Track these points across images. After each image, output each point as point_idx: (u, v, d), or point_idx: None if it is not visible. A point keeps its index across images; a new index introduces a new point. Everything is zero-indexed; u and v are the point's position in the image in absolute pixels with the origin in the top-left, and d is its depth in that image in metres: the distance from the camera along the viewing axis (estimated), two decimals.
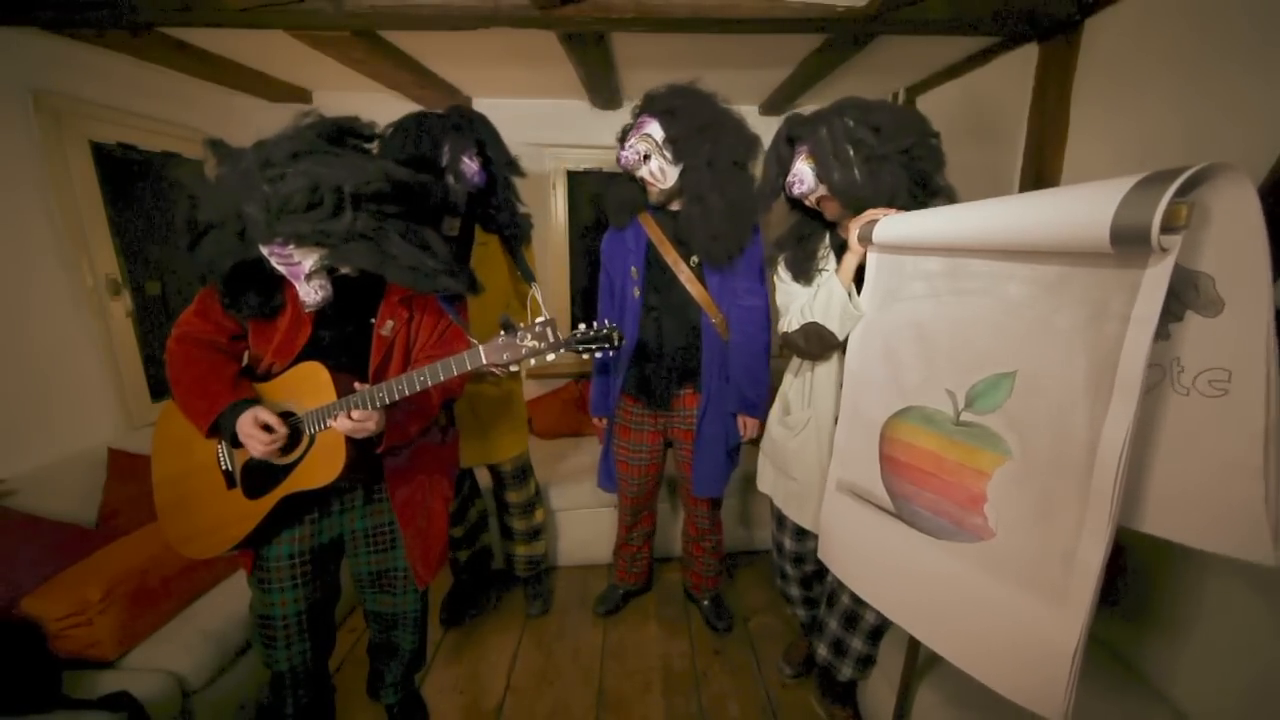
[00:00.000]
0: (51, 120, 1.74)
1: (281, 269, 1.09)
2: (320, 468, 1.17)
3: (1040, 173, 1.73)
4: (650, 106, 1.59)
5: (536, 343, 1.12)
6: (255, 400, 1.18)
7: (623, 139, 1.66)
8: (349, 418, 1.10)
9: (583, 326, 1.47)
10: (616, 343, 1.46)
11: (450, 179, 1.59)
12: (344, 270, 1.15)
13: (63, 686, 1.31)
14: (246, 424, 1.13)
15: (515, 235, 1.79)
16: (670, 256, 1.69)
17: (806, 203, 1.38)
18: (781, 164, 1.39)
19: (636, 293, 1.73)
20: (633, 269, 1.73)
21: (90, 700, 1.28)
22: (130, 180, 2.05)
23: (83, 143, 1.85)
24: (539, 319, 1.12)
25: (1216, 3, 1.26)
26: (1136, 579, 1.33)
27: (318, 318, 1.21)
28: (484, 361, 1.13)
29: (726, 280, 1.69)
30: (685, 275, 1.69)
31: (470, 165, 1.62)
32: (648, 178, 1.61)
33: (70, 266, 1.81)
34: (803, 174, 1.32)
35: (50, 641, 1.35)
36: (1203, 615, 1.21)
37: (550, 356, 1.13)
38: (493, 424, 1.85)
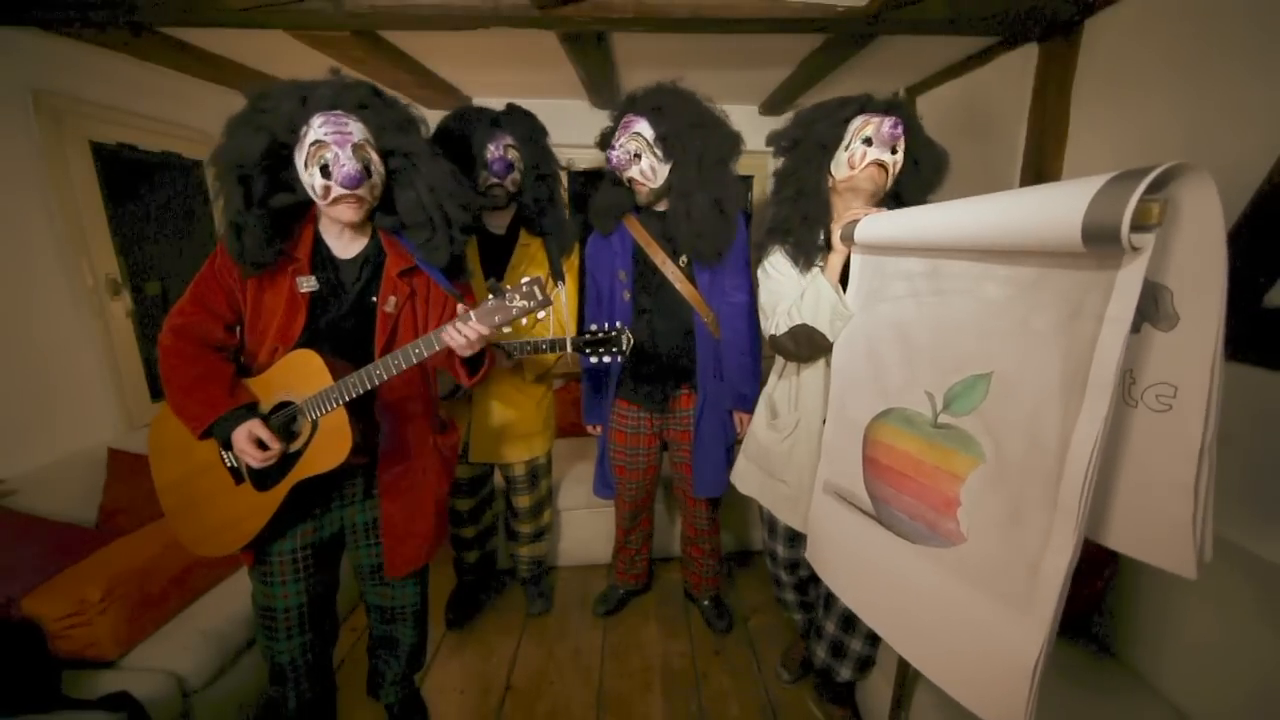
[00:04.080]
0: (51, 120, 1.74)
1: (330, 137, 1.10)
2: (327, 451, 1.18)
3: (1040, 173, 1.73)
4: (636, 105, 1.58)
5: (525, 302, 1.13)
6: (252, 406, 1.19)
7: (607, 140, 1.65)
8: (458, 329, 1.12)
9: (593, 327, 1.47)
10: (625, 347, 1.46)
11: (478, 166, 1.61)
12: (362, 180, 1.13)
13: (63, 686, 1.31)
14: (241, 439, 1.14)
15: (556, 239, 1.77)
16: (659, 257, 1.69)
17: (855, 159, 1.28)
18: (835, 120, 1.32)
19: (627, 296, 1.72)
20: (620, 272, 1.72)
21: (90, 700, 1.28)
22: (130, 180, 2.05)
23: (83, 143, 1.85)
24: (525, 279, 1.14)
25: (1216, 3, 1.26)
26: (1133, 577, 1.33)
27: (313, 300, 1.21)
28: (474, 322, 1.13)
29: (716, 277, 1.69)
30: (674, 275, 1.69)
31: (494, 152, 1.62)
32: (637, 177, 1.59)
33: (70, 266, 1.81)
34: (897, 130, 1.26)
35: (50, 641, 1.35)
36: (1201, 615, 1.21)
37: (541, 314, 1.17)
38: (510, 424, 1.84)
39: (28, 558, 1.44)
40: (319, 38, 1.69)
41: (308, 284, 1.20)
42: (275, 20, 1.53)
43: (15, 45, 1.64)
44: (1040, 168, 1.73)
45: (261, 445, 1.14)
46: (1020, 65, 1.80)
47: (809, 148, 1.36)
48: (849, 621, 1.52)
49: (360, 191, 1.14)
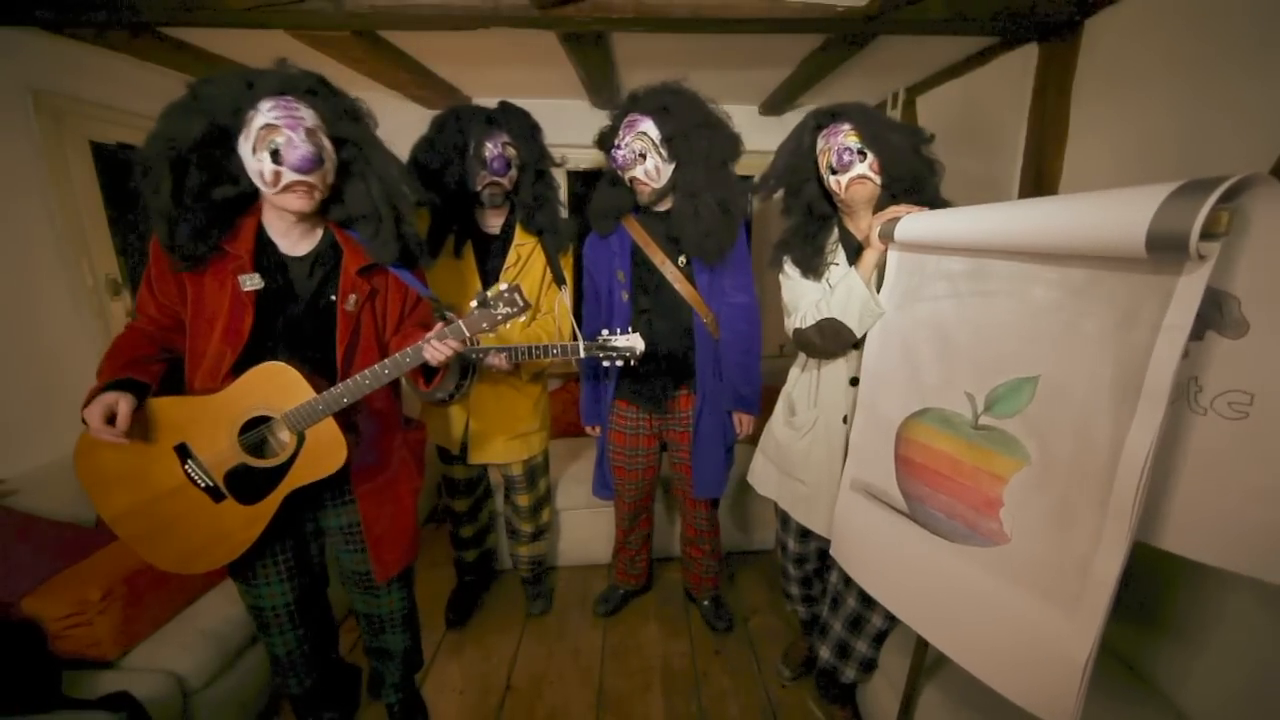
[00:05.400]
0: (51, 120, 1.74)
1: (281, 120, 1.06)
2: (324, 458, 1.18)
3: (1040, 173, 1.73)
4: (641, 105, 1.57)
5: (508, 309, 1.17)
6: (135, 383, 1.12)
7: (607, 140, 1.64)
8: (435, 346, 1.15)
9: (605, 332, 1.50)
10: (638, 353, 1.48)
11: (475, 165, 1.61)
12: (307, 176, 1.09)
13: (63, 686, 1.31)
14: (91, 411, 1.05)
15: (553, 237, 1.76)
16: (657, 257, 1.68)
17: (834, 185, 1.33)
18: (802, 152, 1.39)
19: (625, 296, 1.71)
20: (619, 273, 1.71)
21: (90, 700, 1.28)
22: (130, 180, 2.04)
23: (83, 143, 1.85)
24: (504, 285, 1.18)
25: (1216, 4, 1.26)
26: (1142, 582, 1.33)
27: (261, 300, 1.17)
28: (465, 334, 1.18)
29: (715, 278, 1.69)
30: (674, 275, 1.68)
31: (492, 150, 1.62)
32: (641, 177, 1.58)
33: (70, 266, 1.81)
34: (849, 147, 1.29)
35: (50, 641, 1.35)
36: (1209, 619, 1.21)
37: (523, 319, 1.21)
38: (507, 424, 1.84)
39: (28, 558, 1.44)
40: (319, 38, 1.69)
41: (251, 282, 1.15)
42: (275, 20, 1.53)
43: (15, 45, 1.64)
44: (1040, 168, 1.72)
45: (110, 422, 1.05)
46: (1020, 65, 1.79)
47: (794, 183, 1.42)
48: (856, 623, 1.52)
49: (312, 179, 1.10)
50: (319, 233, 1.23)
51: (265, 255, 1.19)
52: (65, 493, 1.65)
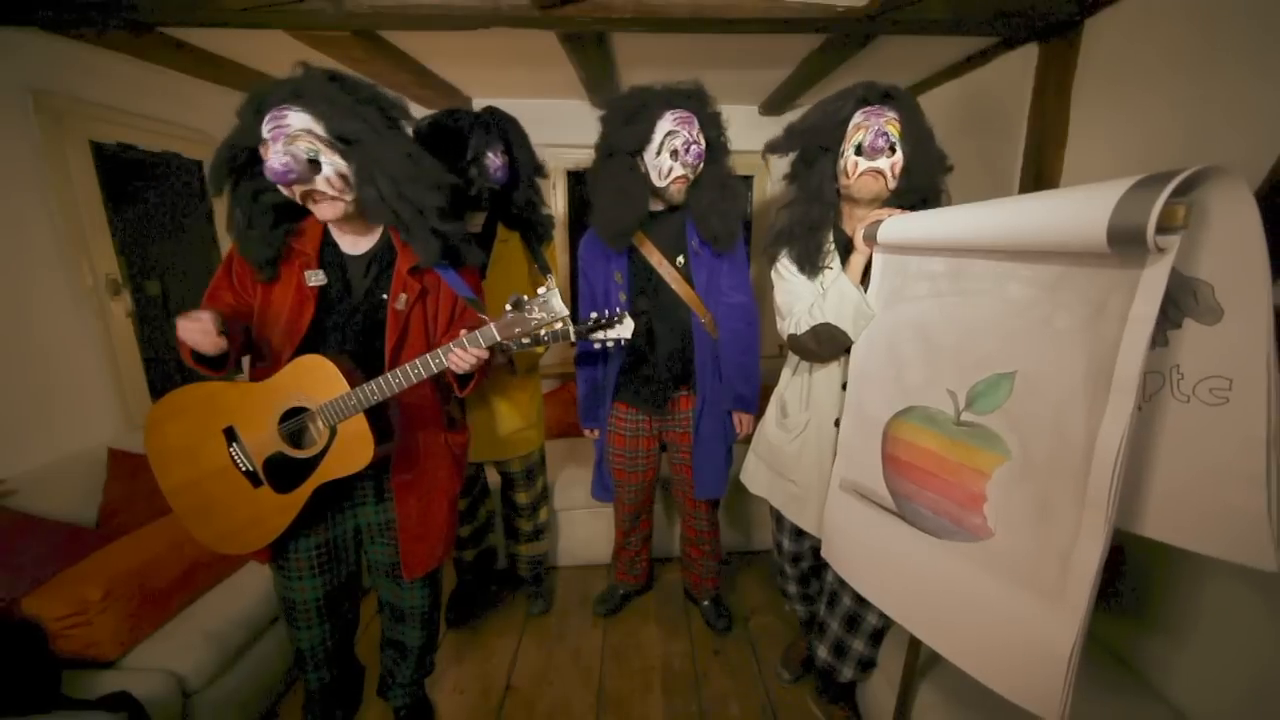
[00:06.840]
0: (51, 120, 1.74)
1: (270, 133, 1.05)
2: (351, 454, 1.19)
3: (1040, 172, 1.73)
4: (685, 103, 1.53)
5: (543, 314, 1.15)
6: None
7: (638, 140, 1.54)
8: (459, 353, 1.14)
9: (594, 315, 1.49)
10: (628, 332, 1.47)
11: (474, 172, 1.62)
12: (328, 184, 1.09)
13: (63, 686, 1.31)
14: (181, 324, 1.08)
15: (538, 233, 1.81)
16: (654, 258, 1.68)
17: (850, 165, 1.27)
18: (836, 120, 1.30)
19: (623, 297, 1.70)
20: (617, 274, 1.71)
21: (90, 700, 1.28)
22: (130, 180, 2.05)
23: (83, 143, 1.85)
24: (541, 289, 1.15)
25: (1217, 3, 1.26)
26: (1135, 577, 1.33)
27: (322, 295, 1.22)
28: (496, 337, 1.16)
29: (713, 278, 1.69)
30: (671, 276, 1.68)
31: (494, 160, 1.64)
32: (691, 175, 1.57)
33: (70, 266, 1.81)
34: (886, 134, 1.24)
35: (50, 641, 1.35)
36: (1202, 614, 1.21)
37: (559, 325, 1.17)
38: (504, 420, 1.85)
39: (28, 558, 1.44)
40: (319, 38, 1.69)
41: (315, 278, 1.21)
42: (275, 20, 1.53)
43: (15, 45, 1.64)
44: (1040, 167, 1.73)
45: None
46: (1020, 65, 1.79)
47: (811, 151, 1.36)
48: (852, 622, 1.52)
49: (315, 186, 1.08)
50: (376, 233, 1.26)
51: (328, 253, 1.24)
52: (65, 493, 1.66)
